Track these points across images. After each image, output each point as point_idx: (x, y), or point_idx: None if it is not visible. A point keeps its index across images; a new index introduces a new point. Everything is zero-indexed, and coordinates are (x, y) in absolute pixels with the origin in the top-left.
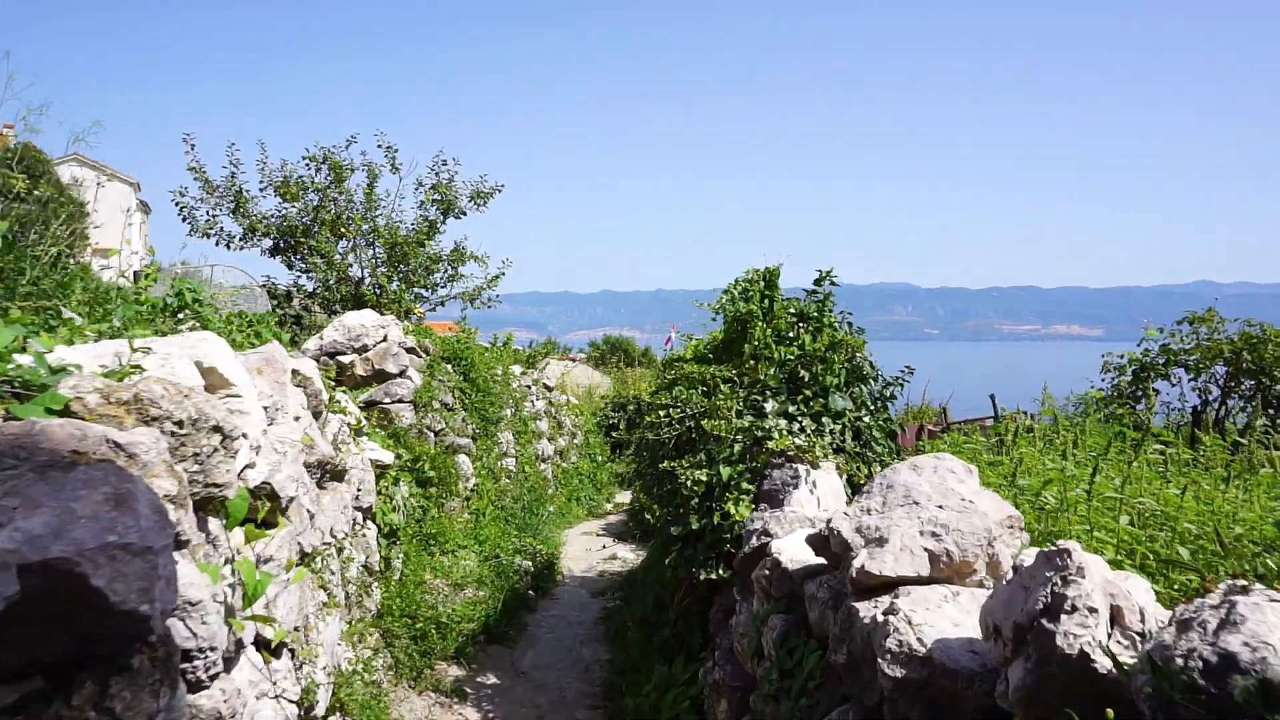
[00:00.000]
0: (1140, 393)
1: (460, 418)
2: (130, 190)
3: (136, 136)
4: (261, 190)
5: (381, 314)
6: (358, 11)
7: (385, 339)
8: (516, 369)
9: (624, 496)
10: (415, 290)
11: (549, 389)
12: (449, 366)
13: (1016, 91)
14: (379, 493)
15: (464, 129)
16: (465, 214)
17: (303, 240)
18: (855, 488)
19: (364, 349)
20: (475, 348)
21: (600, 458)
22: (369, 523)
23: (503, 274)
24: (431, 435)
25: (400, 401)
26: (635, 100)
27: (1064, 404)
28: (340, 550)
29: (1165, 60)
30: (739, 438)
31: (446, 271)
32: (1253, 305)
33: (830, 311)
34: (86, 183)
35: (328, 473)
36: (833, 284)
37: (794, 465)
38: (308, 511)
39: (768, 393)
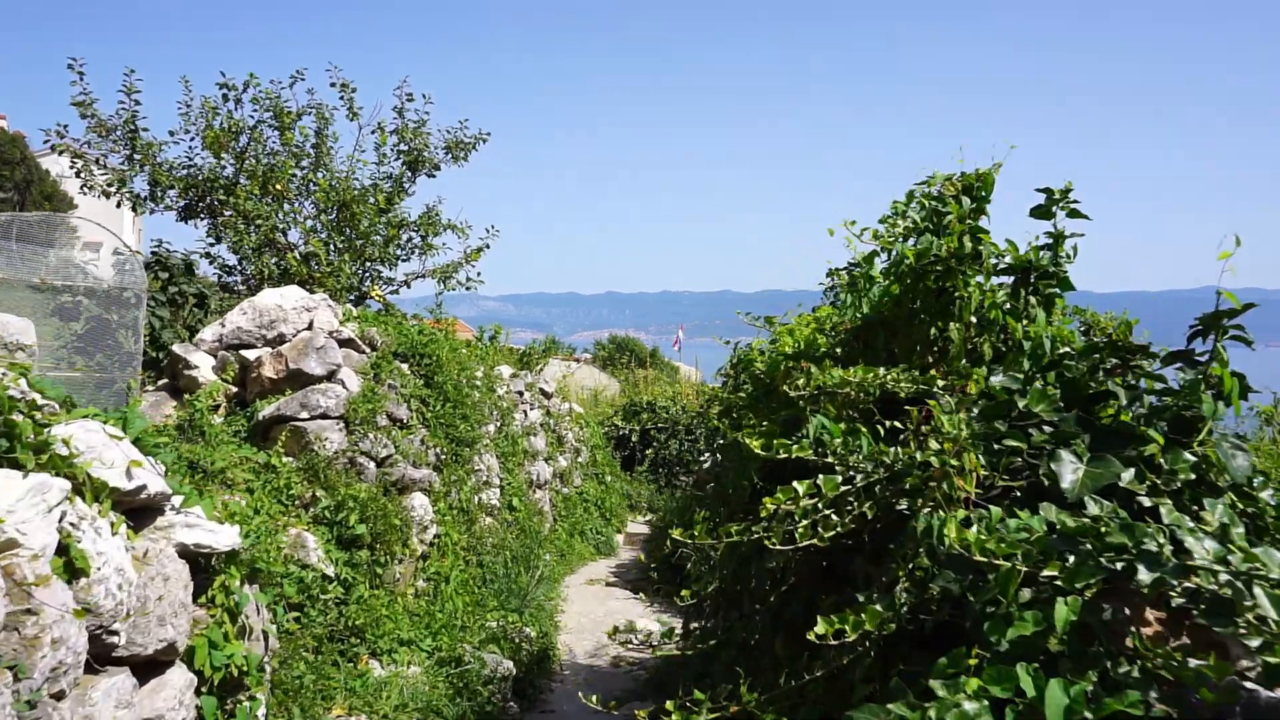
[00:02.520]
0: None
1: (418, 439)
2: None
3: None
4: (176, 137)
5: (311, 292)
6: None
7: (310, 326)
8: (505, 371)
9: (638, 525)
10: (371, 265)
11: (547, 395)
12: (404, 366)
13: (1021, 94)
14: (212, 602)
15: (459, 120)
16: (439, 168)
17: (225, 198)
18: None
19: (280, 340)
20: (444, 342)
21: (609, 478)
22: (177, 669)
23: (487, 246)
24: (371, 466)
25: (324, 417)
26: (644, 99)
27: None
28: None
29: (1168, 62)
30: (1057, 572)
31: (413, 242)
32: (1265, 311)
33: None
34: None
35: None
36: (1073, 213)
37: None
38: None
39: (1031, 432)
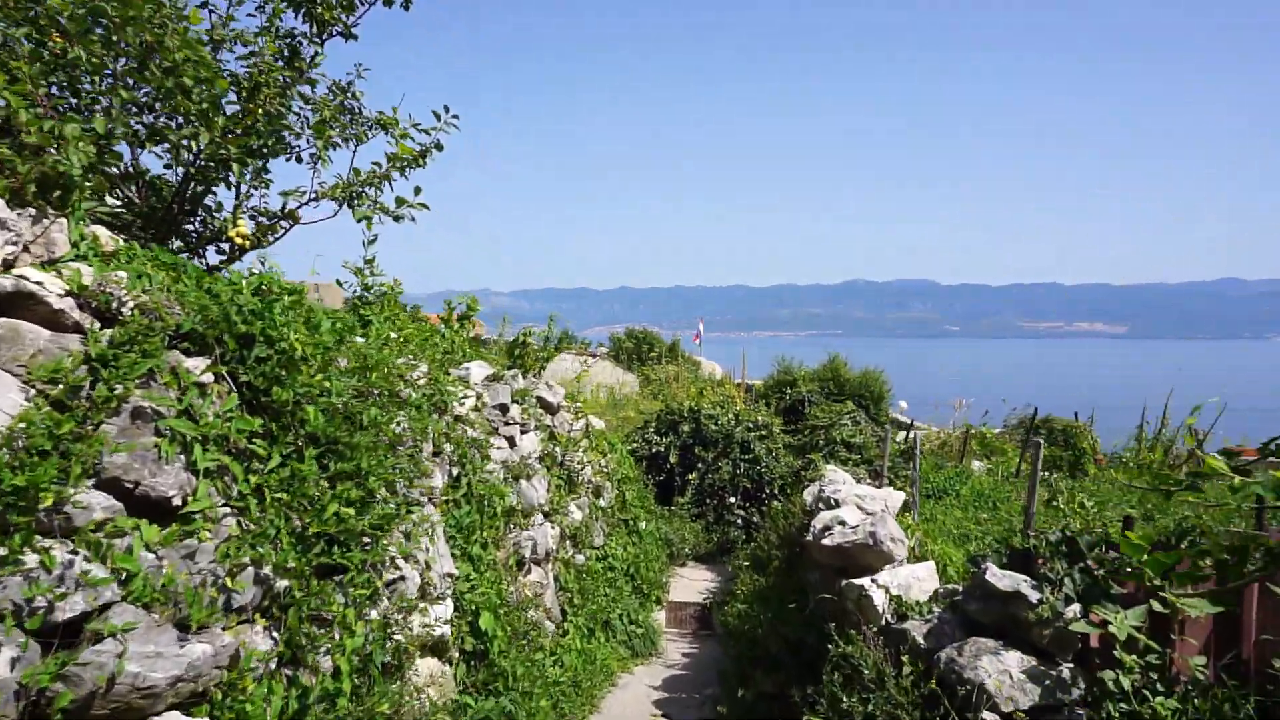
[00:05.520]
0: None
1: (208, 550)
2: None
3: None
4: None
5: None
6: None
7: None
8: (476, 372)
9: (684, 585)
10: (218, 160)
11: (550, 408)
12: (196, 366)
13: (1038, 85)
14: None
15: (467, 119)
16: (356, 22)
17: None
18: None
19: None
20: (295, 311)
21: (645, 523)
22: None
23: (438, 146)
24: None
25: None
26: (652, 94)
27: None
28: None
29: (1187, 55)
30: None
31: (289, 124)
32: None
33: None
34: None
35: None
36: None
37: None
38: None
39: None
